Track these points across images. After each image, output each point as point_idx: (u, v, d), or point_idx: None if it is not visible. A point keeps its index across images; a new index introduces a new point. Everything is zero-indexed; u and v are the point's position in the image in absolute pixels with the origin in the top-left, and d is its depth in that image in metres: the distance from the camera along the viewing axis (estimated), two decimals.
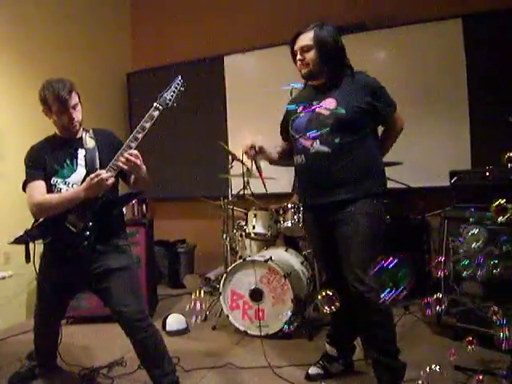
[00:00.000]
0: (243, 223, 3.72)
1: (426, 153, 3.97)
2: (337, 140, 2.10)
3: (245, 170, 3.56)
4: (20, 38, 3.83)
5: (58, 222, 2.10)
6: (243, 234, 3.70)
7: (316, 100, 2.19)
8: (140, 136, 2.10)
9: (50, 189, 2.17)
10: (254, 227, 3.58)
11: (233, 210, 3.82)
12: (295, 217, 3.37)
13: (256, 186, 3.95)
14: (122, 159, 2.04)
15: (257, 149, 2.23)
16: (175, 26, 5.15)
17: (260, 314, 3.03)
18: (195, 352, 2.85)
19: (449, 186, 2.96)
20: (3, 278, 3.46)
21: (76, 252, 2.10)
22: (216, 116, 4.87)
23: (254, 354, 2.78)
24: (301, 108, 2.26)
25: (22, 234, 2.14)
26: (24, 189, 2.22)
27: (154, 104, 2.16)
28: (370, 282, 2.01)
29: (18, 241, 2.14)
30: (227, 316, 3.14)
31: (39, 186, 2.16)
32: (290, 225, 3.40)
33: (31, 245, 2.18)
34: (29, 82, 3.85)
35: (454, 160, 3.81)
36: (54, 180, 2.17)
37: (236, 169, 3.74)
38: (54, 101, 2.09)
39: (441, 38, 3.95)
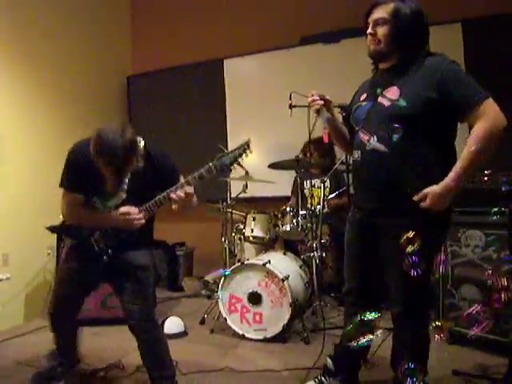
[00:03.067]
0: (242, 226, 3.72)
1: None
2: (395, 138, 1.80)
3: (243, 173, 3.56)
4: (20, 42, 3.83)
5: (86, 234, 2.13)
6: (242, 237, 3.70)
7: (380, 87, 1.90)
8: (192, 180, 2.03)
9: (89, 204, 2.13)
10: (252, 230, 3.59)
11: (232, 213, 3.81)
12: (294, 221, 3.37)
13: (255, 190, 3.97)
14: (174, 195, 1.97)
15: (326, 99, 2.01)
16: (175, 30, 5.17)
17: (258, 317, 3.03)
18: (193, 355, 2.83)
19: None
20: (0, 280, 3.46)
21: (96, 262, 2.13)
22: (215, 119, 4.88)
23: (251, 358, 2.77)
24: (364, 95, 2.00)
25: (59, 225, 2.21)
26: (60, 186, 2.14)
27: (209, 164, 2.03)
28: (418, 304, 1.86)
29: (52, 229, 2.24)
30: (225, 319, 3.13)
31: (73, 196, 2.10)
32: (288, 228, 3.40)
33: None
34: (29, 86, 3.87)
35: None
36: (94, 198, 2.12)
37: (235, 172, 3.74)
38: (104, 166, 1.91)
39: (440, 43, 3.91)
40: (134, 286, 2.15)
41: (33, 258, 3.78)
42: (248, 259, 3.30)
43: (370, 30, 1.87)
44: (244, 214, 3.75)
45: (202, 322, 3.42)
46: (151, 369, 2.21)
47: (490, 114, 1.71)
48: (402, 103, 1.79)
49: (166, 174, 2.12)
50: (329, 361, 2.25)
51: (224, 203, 3.82)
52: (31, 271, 3.79)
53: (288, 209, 3.46)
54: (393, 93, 1.84)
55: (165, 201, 2.01)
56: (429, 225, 1.75)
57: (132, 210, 2.00)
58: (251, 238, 3.62)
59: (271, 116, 4.47)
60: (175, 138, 4.97)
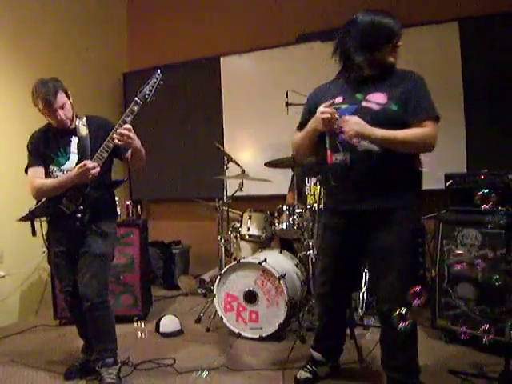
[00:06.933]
0: (238, 225, 3.71)
1: (421, 156, 3.96)
2: None
3: (240, 171, 3.55)
4: (17, 38, 3.81)
5: (54, 204, 2.33)
6: (238, 235, 3.69)
7: (359, 92, 1.99)
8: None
9: (48, 176, 2.39)
10: (248, 229, 3.59)
11: (228, 211, 3.80)
12: (290, 219, 3.36)
13: (251, 188, 3.96)
14: (116, 136, 2.22)
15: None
16: (172, 27, 5.14)
17: (254, 316, 3.02)
18: (189, 354, 2.83)
19: (444, 189, 2.97)
20: None
21: (71, 230, 2.35)
22: (212, 117, 4.86)
23: (247, 357, 2.77)
24: (340, 99, 2.03)
25: (27, 212, 2.35)
26: (26, 171, 2.43)
27: (135, 99, 2.31)
28: (409, 300, 1.89)
29: (23, 218, 2.35)
30: (221, 318, 3.12)
31: (38, 171, 2.39)
32: (284, 227, 3.40)
33: (37, 224, 2.41)
34: (25, 81, 3.80)
35: (450, 163, 3.81)
36: (51, 168, 2.39)
37: (231, 170, 3.73)
38: (42, 104, 2.27)
39: (437, 41, 3.95)
40: (92, 272, 2.37)
41: (28, 256, 3.76)
42: (244, 258, 3.30)
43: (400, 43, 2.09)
44: (240, 213, 3.75)
45: (198, 320, 3.41)
46: (97, 342, 2.40)
47: (432, 132, 1.92)
48: (394, 107, 1.93)
49: (104, 127, 2.40)
50: (315, 353, 2.39)
51: (220, 201, 3.81)
52: (26, 269, 3.77)
53: (284, 207, 3.45)
54: (378, 97, 1.96)
55: (110, 143, 2.26)
56: (414, 217, 2.04)
57: (86, 162, 2.25)
58: (247, 237, 3.61)
59: (268, 114, 4.46)
60: (171, 134, 4.96)
